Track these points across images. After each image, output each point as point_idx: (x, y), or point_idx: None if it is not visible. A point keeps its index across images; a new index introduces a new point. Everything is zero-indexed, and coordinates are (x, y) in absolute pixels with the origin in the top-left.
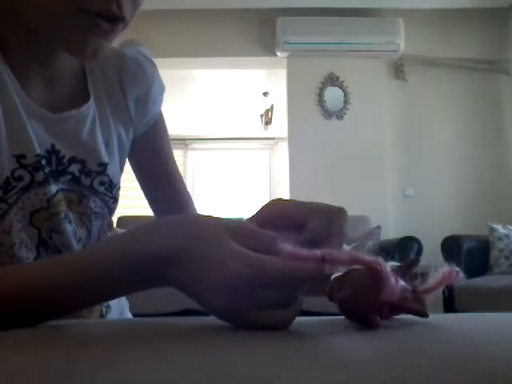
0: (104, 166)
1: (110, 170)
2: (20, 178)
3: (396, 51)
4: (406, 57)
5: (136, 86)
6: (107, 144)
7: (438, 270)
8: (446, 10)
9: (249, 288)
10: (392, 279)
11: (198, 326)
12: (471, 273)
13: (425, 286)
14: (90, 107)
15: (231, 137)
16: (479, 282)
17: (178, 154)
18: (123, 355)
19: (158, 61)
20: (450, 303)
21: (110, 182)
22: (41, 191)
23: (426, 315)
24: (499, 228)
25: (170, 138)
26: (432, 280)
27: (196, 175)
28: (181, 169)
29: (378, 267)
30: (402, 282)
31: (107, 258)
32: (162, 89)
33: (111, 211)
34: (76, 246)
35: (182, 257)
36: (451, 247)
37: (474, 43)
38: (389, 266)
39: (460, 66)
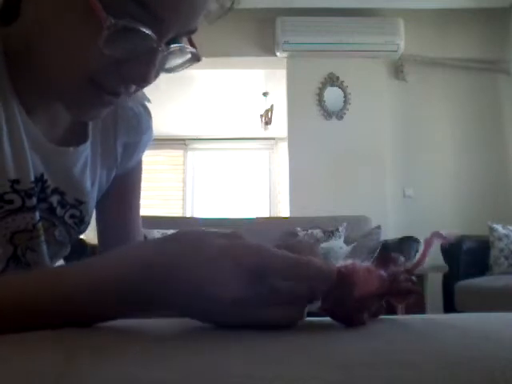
0: (80, 202)
1: (86, 209)
2: (10, 202)
3: (396, 51)
4: (405, 57)
5: (129, 133)
6: (92, 184)
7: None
8: (446, 10)
9: (259, 277)
10: (364, 273)
11: (197, 327)
12: (471, 273)
13: (413, 262)
14: (87, 148)
15: (231, 137)
16: (479, 282)
17: (177, 154)
18: (123, 356)
19: None
20: (450, 303)
21: (82, 218)
22: (28, 216)
23: (418, 292)
24: (499, 228)
25: (170, 138)
26: (418, 254)
27: (196, 175)
28: (181, 169)
29: (343, 269)
30: (382, 272)
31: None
32: (150, 139)
33: (72, 240)
34: (49, 264)
35: (181, 263)
36: (451, 247)
37: (474, 43)
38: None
39: (460, 66)
